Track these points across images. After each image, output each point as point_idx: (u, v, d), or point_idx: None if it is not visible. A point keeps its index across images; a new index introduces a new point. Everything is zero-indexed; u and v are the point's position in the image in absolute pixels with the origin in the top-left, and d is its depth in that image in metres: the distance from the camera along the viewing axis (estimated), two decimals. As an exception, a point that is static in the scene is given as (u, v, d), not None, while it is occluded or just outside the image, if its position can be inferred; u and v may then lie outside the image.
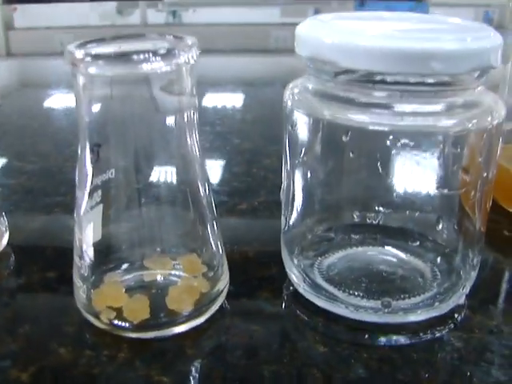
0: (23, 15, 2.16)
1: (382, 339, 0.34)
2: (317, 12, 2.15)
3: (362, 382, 0.31)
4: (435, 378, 0.31)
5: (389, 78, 0.30)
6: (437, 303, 0.35)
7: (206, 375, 0.32)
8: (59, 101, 0.88)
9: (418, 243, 0.40)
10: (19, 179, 0.55)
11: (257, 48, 1.39)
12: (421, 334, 0.34)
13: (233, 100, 0.86)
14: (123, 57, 0.29)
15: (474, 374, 0.31)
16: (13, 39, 1.64)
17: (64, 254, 0.36)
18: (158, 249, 0.37)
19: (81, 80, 0.30)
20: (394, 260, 0.39)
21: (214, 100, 0.86)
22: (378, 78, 0.30)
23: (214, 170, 0.57)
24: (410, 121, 0.31)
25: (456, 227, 0.38)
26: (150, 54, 0.28)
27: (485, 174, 0.34)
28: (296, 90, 0.34)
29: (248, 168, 0.58)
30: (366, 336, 0.34)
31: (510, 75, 0.48)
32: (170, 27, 1.88)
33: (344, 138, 0.33)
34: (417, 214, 0.39)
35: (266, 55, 1.30)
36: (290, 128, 0.35)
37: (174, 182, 0.34)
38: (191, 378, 0.31)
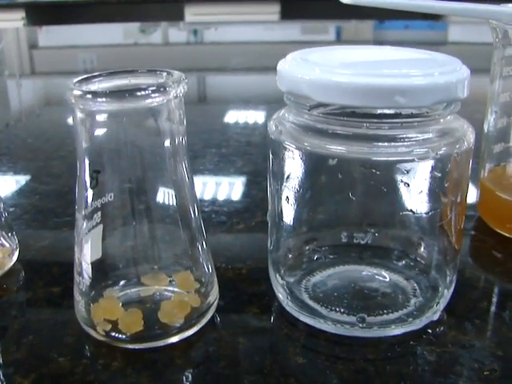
0: (47, 35, 2.21)
1: (358, 352, 0.36)
2: (338, 30, 2.18)
3: (336, 392, 0.33)
4: (405, 389, 0.34)
5: (360, 111, 0.32)
6: (410, 319, 0.37)
7: (191, 383, 0.34)
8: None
9: (401, 262, 0.42)
10: (32, 199, 0.59)
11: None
12: (396, 348, 0.36)
13: (244, 120, 0.88)
14: (118, 93, 0.32)
15: (442, 385, 0.34)
16: (37, 58, 1.68)
17: (69, 271, 0.39)
18: (155, 266, 0.39)
19: (79, 114, 0.33)
20: (378, 278, 0.41)
21: (227, 119, 0.89)
22: (350, 111, 0.32)
23: (216, 190, 0.60)
24: (384, 150, 0.34)
25: (435, 246, 0.40)
26: (142, 92, 0.31)
27: (457, 196, 0.37)
28: (278, 121, 0.37)
29: (248, 190, 0.61)
30: (344, 349, 0.36)
31: (497, 95, 0.49)
32: (192, 46, 1.92)
33: (324, 166, 0.36)
34: (400, 234, 0.42)
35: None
36: (272, 155, 0.37)
37: (167, 204, 0.37)
38: (178, 385, 0.34)
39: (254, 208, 0.56)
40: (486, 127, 0.51)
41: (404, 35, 2.03)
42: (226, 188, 0.61)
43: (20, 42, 1.98)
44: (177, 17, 2.80)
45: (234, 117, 0.91)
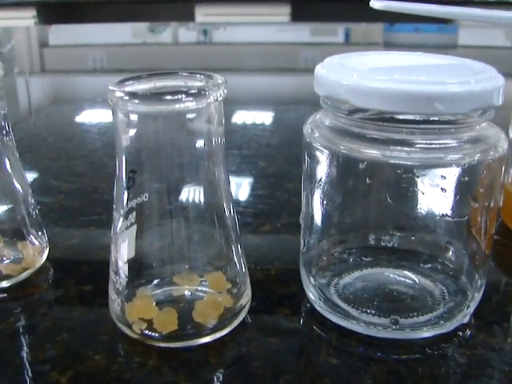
0: (58, 33, 2.21)
1: (391, 354, 0.37)
2: (347, 32, 2.19)
3: (370, 393, 0.34)
4: (438, 391, 0.34)
5: (398, 117, 0.33)
6: (442, 322, 0.38)
7: (227, 383, 0.35)
8: (91, 117, 0.92)
9: (429, 265, 0.42)
10: (57, 198, 0.59)
11: (286, 67, 1.43)
12: (427, 350, 0.37)
13: (260, 121, 0.89)
14: (158, 96, 0.32)
15: (475, 387, 0.34)
16: (47, 56, 1.69)
17: (99, 270, 0.40)
18: (187, 266, 0.39)
19: (119, 115, 0.33)
20: (406, 281, 0.42)
21: (242, 120, 0.89)
22: (388, 116, 0.33)
23: (240, 192, 0.61)
24: (420, 155, 0.34)
25: (464, 250, 0.41)
26: (183, 95, 0.32)
27: (489, 202, 0.37)
28: (314, 125, 0.37)
29: (272, 191, 0.61)
30: (376, 350, 0.37)
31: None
32: (201, 45, 1.92)
33: (358, 169, 0.36)
34: (429, 237, 0.42)
35: (295, 74, 1.33)
36: (308, 158, 0.38)
37: (202, 204, 0.37)
38: (214, 384, 0.34)
39: (279, 210, 0.56)
40: (510, 133, 0.51)
41: (414, 38, 2.04)
42: (250, 189, 0.62)
43: (31, 41, 1.99)
44: (187, 17, 2.80)
45: (249, 118, 0.91)
